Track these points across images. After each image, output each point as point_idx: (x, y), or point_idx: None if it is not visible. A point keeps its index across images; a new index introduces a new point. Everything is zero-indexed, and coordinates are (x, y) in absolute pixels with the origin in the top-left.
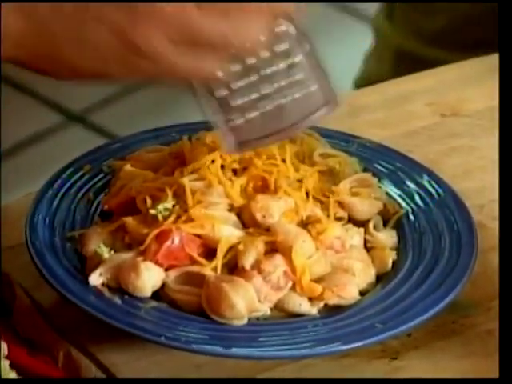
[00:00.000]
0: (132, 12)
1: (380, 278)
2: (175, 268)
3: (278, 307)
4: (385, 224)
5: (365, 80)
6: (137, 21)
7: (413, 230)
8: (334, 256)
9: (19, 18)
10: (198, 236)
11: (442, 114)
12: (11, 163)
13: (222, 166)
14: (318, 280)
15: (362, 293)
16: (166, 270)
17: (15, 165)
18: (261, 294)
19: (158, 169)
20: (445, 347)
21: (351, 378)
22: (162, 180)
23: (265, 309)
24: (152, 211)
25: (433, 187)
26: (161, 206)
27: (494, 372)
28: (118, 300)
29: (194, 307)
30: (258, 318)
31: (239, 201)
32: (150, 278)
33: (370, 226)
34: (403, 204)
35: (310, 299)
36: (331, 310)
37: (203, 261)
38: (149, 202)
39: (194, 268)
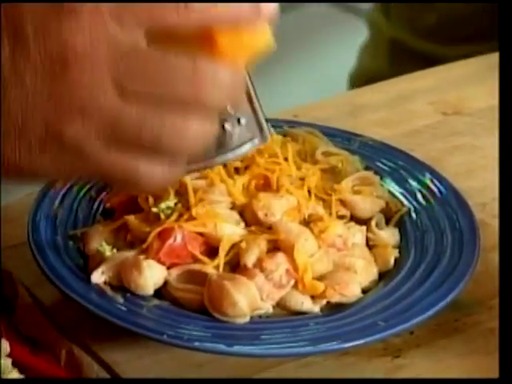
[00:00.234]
0: (56, 104)
1: (382, 276)
2: (177, 266)
3: (280, 305)
4: (387, 222)
5: (360, 74)
6: (60, 114)
7: (415, 228)
8: (336, 254)
9: None
10: (201, 234)
11: (444, 112)
12: None
13: (224, 165)
14: (320, 278)
15: (364, 291)
16: (168, 268)
17: None
18: (263, 292)
19: None
20: (447, 345)
21: (353, 375)
22: None
23: (267, 307)
24: (154, 209)
25: (435, 185)
26: (163, 205)
27: (496, 370)
28: (120, 298)
29: (196, 305)
30: (260, 316)
31: (241, 199)
32: (152, 276)
33: (372, 224)
34: (405, 202)
35: (312, 297)
36: (333, 308)
37: (205, 259)
38: (151, 200)
39: (196, 266)
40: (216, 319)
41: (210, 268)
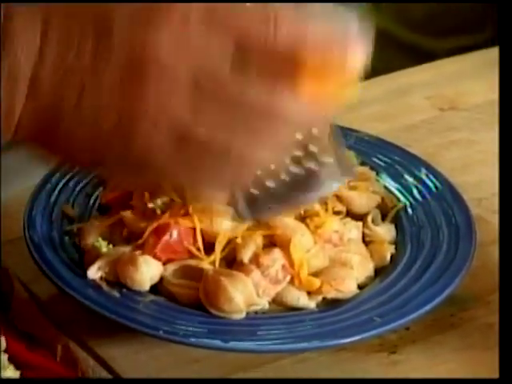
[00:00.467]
0: (131, 105)
1: (378, 272)
2: (173, 262)
3: (276, 301)
4: (383, 218)
5: None
6: (133, 116)
7: (411, 224)
8: (332, 250)
9: (24, 92)
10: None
11: (440, 107)
12: (9, 157)
13: None
14: (317, 274)
15: (361, 286)
16: (165, 263)
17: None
18: (259, 287)
19: None
20: (443, 341)
21: (349, 371)
22: None
23: (263, 303)
24: (150, 205)
25: (431, 181)
26: (159, 200)
27: (492, 365)
28: (116, 294)
29: (192, 301)
30: (256, 312)
31: None
32: (148, 271)
33: (368, 219)
34: (401, 198)
35: (309, 293)
36: (329, 304)
37: (201, 255)
38: (147, 195)
39: (193, 262)
40: (212, 315)
41: (206, 264)
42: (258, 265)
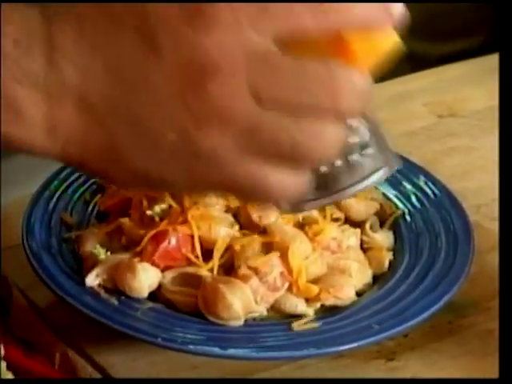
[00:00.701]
0: (194, 113)
1: (376, 279)
2: (172, 269)
3: (274, 308)
4: (381, 225)
5: None
6: (197, 123)
7: (409, 231)
8: (330, 257)
9: (72, 106)
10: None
11: (439, 114)
12: (8, 164)
13: None
14: (315, 281)
15: (359, 293)
16: (163, 270)
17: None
18: (257, 294)
19: None
20: (441, 348)
21: (347, 377)
22: None
23: (261, 310)
24: (148, 212)
25: (429, 188)
26: (157, 207)
27: (491, 372)
28: (114, 301)
29: (190, 308)
30: (254, 319)
31: (236, 202)
32: (146, 278)
33: (367, 226)
34: (400, 205)
35: (307, 300)
36: (327, 311)
37: (200, 262)
38: (145, 203)
39: (191, 269)
40: (210, 322)
41: (204, 271)
42: (257, 272)
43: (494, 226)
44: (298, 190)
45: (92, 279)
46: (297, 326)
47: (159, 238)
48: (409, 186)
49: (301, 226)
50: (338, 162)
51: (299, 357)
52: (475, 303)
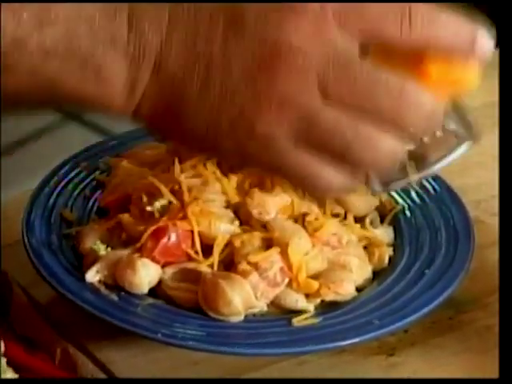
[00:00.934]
0: (259, 93)
1: (376, 275)
2: (172, 265)
3: (274, 304)
4: (381, 220)
5: None
6: (261, 103)
7: (409, 226)
8: (330, 252)
9: (150, 68)
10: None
11: None
12: (8, 161)
13: (219, 163)
14: (315, 276)
15: (359, 289)
16: (163, 266)
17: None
18: (257, 290)
19: (154, 166)
20: (442, 343)
21: (348, 373)
22: (159, 177)
23: (261, 305)
24: (148, 208)
25: (429, 183)
26: (157, 203)
27: (491, 368)
28: (114, 297)
29: (190, 304)
30: (254, 315)
31: (236, 197)
32: (146, 274)
33: (367, 222)
34: (400, 200)
35: (307, 296)
36: (328, 307)
37: (200, 257)
38: (145, 199)
39: (191, 265)
40: (210, 318)
41: (204, 266)
42: (257, 267)
43: (494, 222)
44: (344, 190)
45: (92, 275)
46: (297, 321)
47: (159, 233)
48: None
49: (301, 221)
50: (425, 139)
51: (299, 352)
52: (475, 299)
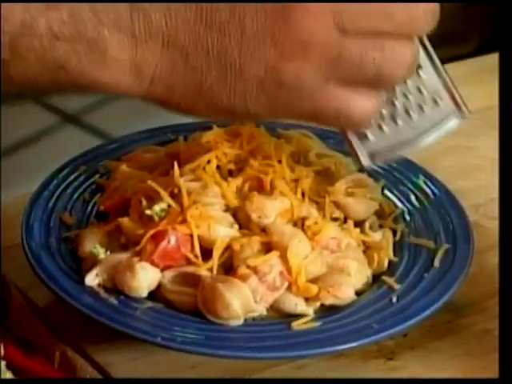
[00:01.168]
0: (280, 44)
1: (376, 278)
2: (171, 268)
3: (273, 308)
4: (381, 224)
5: None
6: (284, 54)
7: (409, 230)
8: (329, 256)
9: (158, 46)
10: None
11: None
12: (7, 164)
13: (218, 167)
14: (314, 280)
15: (358, 293)
16: (162, 270)
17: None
18: (257, 294)
19: (153, 169)
20: (440, 347)
21: (347, 377)
22: (158, 180)
23: (261, 309)
24: (148, 212)
25: (428, 187)
26: (156, 207)
27: (490, 372)
28: (114, 300)
29: (190, 308)
30: (254, 319)
31: (235, 201)
32: (145, 278)
33: (366, 226)
34: (399, 204)
35: (306, 299)
36: (327, 310)
37: (199, 261)
38: (144, 202)
39: (190, 268)
40: (210, 321)
41: (203, 270)
42: (256, 271)
43: (493, 226)
44: (376, 113)
45: (91, 279)
46: (296, 325)
47: (158, 237)
48: (408, 185)
49: (300, 225)
50: (411, 113)
51: (299, 356)
52: (474, 303)
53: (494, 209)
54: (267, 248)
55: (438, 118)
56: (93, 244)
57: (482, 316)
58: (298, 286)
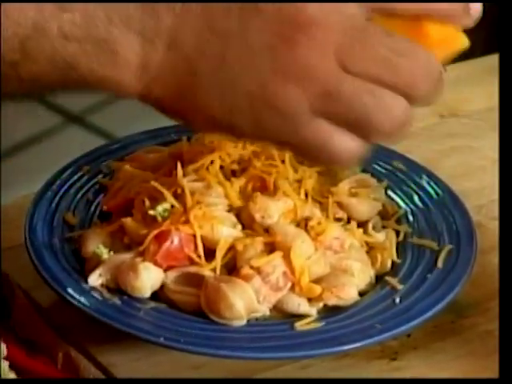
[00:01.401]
0: (279, 66)
1: (379, 279)
2: (174, 269)
3: (277, 308)
4: (384, 224)
5: None
6: (280, 76)
7: (412, 231)
8: (332, 256)
9: (163, 46)
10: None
11: (441, 114)
12: (10, 164)
13: (221, 167)
14: (317, 280)
15: (361, 293)
16: (165, 270)
17: (14, 165)
18: (260, 294)
19: (156, 169)
20: (444, 347)
21: (350, 377)
22: (161, 181)
23: (264, 309)
24: (151, 212)
25: (432, 187)
26: (160, 207)
27: (493, 372)
28: (117, 301)
29: (193, 308)
30: (257, 319)
31: (238, 202)
32: (149, 278)
33: (369, 226)
34: (402, 204)
35: (309, 300)
36: (330, 311)
37: (202, 261)
38: (147, 202)
39: (193, 269)
40: (213, 322)
41: (206, 270)
42: (259, 272)
43: (495, 226)
44: (359, 157)
45: (94, 279)
46: (300, 325)
47: (162, 237)
48: (411, 186)
49: (303, 225)
50: None
51: (302, 357)
52: (477, 303)
53: (496, 209)
54: (270, 248)
55: None
56: (96, 244)
57: (484, 316)
58: (301, 287)
